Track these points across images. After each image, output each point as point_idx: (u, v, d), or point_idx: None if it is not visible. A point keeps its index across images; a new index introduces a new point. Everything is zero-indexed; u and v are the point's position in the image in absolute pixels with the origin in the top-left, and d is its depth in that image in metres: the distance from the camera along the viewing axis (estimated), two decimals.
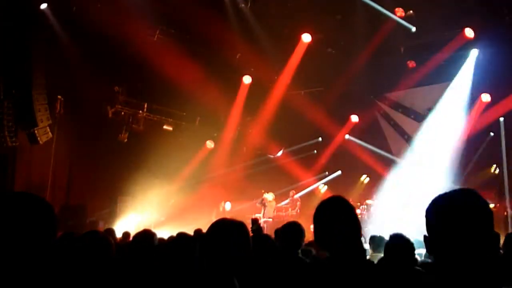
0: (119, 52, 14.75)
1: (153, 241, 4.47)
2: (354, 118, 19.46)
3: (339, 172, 19.84)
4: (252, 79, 18.15)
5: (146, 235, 4.51)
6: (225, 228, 2.54)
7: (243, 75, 18.11)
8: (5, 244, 1.87)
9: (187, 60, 15.38)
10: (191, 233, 5.97)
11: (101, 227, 13.70)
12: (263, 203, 16.56)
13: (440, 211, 1.88)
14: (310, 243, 5.75)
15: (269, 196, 16.57)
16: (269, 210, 16.47)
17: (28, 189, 9.34)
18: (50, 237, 1.99)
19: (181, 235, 4.47)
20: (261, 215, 16.20)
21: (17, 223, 1.91)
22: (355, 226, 2.63)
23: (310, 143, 19.69)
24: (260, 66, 17.23)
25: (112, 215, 15.93)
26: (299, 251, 4.60)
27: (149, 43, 15.33)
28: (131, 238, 5.44)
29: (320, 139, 20.13)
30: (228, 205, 16.45)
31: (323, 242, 2.65)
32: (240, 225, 2.57)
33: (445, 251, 1.82)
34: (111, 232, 7.37)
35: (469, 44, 15.67)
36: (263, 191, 16.83)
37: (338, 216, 2.63)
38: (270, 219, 16.33)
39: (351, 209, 2.68)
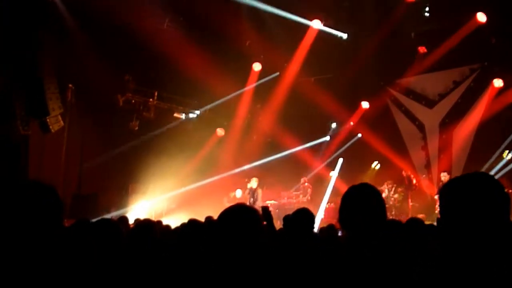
0: (129, 41, 14.72)
1: (154, 231, 4.45)
2: (365, 105, 19.36)
3: (341, 160, 19.77)
4: (261, 66, 18.10)
5: (146, 226, 4.49)
6: (237, 214, 2.53)
7: (253, 62, 18.06)
8: (14, 231, 1.88)
9: (196, 48, 15.33)
10: (202, 220, 5.98)
11: (113, 214, 13.76)
12: (252, 191, 15.34)
13: (455, 194, 1.87)
14: (331, 226, 5.77)
15: (254, 183, 15.33)
16: (259, 198, 15.26)
17: (40, 178, 9.37)
18: (56, 224, 2.00)
19: (192, 222, 4.47)
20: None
21: (24, 212, 1.91)
22: (380, 210, 2.73)
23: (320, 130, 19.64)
24: (269, 53, 17.16)
25: (123, 202, 15.99)
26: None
27: (159, 32, 15.28)
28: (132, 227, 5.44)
29: (328, 137, 20.10)
30: (238, 193, 16.31)
31: (346, 222, 2.75)
32: (252, 211, 2.56)
33: (459, 233, 1.81)
34: (124, 220, 7.38)
35: (481, 29, 15.52)
36: (246, 180, 15.89)
37: (364, 200, 2.74)
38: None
39: (377, 195, 2.80)
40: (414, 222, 4.91)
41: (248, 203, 14.91)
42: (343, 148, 19.97)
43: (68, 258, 2.17)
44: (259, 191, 15.12)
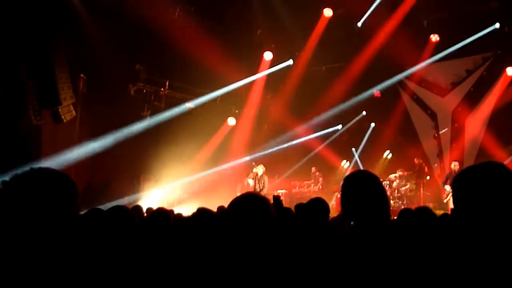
0: (140, 30, 14.73)
1: (169, 220, 4.47)
2: (376, 93, 19.27)
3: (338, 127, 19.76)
4: (273, 55, 18.06)
5: (161, 214, 4.51)
6: (247, 203, 2.53)
7: (264, 51, 18.01)
8: (29, 217, 1.89)
9: (207, 37, 15.32)
10: (214, 209, 5.98)
11: (126, 204, 13.82)
12: (257, 178, 15.23)
13: (469, 184, 1.86)
14: (341, 216, 5.76)
15: (260, 169, 15.23)
16: (264, 185, 15.12)
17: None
18: (72, 211, 2.01)
19: (202, 211, 4.47)
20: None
21: (40, 197, 1.93)
22: (381, 198, 2.68)
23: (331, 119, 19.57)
24: (281, 42, 17.11)
25: (135, 192, 16.06)
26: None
27: (170, 21, 15.27)
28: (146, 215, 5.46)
29: (340, 126, 20.03)
30: (251, 181, 16.30)
31: (349, 211, 2.72)
32: (263, 200, 2.56)
33: (473, 223, 1.81)
34: (138, 209, 7.39)
35: (493, 16, 15.39)
36: (253, 163, 15.82)
37: (364, 187, 2.69)
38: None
39: (378, 182, 2.74)
40: (423, 211, 4.86)
41: (254, 190, 14.98)
42: (354, 137, 19.90)
43: (81, 246, 2.19)
44: (266, 178, 15.06)
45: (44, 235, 1.92)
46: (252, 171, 15.26)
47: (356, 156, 19.72)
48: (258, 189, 14.82)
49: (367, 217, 2.60)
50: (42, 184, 1.98)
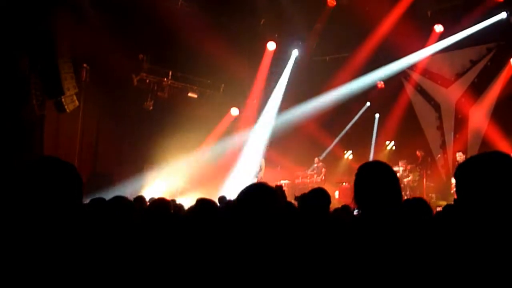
0: (143, 20, 14.72)
1: (169, 209, 4.46)
2: (380, 84, 19.19)
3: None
4: (276, 45, 18.00)
5: (162, 203, 4.50)
6: (256, 193, 2.52)
7: (268, 41, 17.96)
8: (34, 205, 1.89)
9: (210, 27, 15.29)
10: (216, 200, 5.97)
11: (129, 194, 13.83)
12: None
13: (472, 173, 1.85)
14: (345, 207, 5.74)
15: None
16: (262, 174, 15.30)
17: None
18: (77, 200, 2.01)
19: (202, 201, 4.45)
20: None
21: (45, 186, 1.93)
22: (394, 189, 2.69)
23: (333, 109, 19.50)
24: (284, 32, 17.06)
25: (138, 182, 16.08)
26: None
27: (173, 11, 15.24)
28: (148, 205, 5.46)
29: (368, 103, 19.92)
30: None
31: (362, 201, 2.71)
32: (271, 191, 2.55)
33: (476, 212, 1.80)
34: (141, 199, 7.38)
35: (498, 7, 15.30)
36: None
37: (379, 178, 2.69)
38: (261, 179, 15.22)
39: (393, 174, 2.74)
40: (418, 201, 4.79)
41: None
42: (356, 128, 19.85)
43: (84, 236, 2.19)
44: (263, 161, 15.09)
45: (49, 224, 1.92)
46: None
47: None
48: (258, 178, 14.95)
49: (380, 207, 2.59)
50: (48, 174, 1.98)
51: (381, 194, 2.62)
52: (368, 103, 19.79)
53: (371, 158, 18.55)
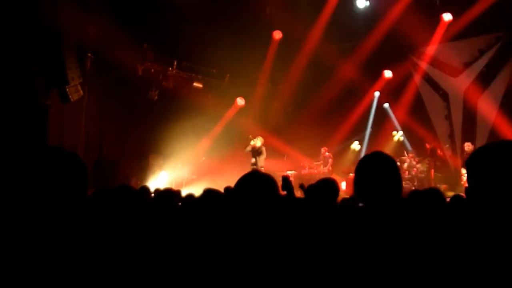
0: (148, 9, 14.68)
1: (175, 201, 4.45)
2: (387, 74, 19.10)
3: (369, 130, 19.72)
4: (282, 34, 17.95)
5: (168, 194, 4.49)
6: (253, 182, 2.51)
7: (274, 30, 17.90)
8: (40, 195, 1.89)
9: (216, 15, 15.24)
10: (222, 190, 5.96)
11: (134, 184, 13.87)
12: (255, 150, 15.21)
13: (483, 163, 1.84)
14: (353, 197, 5.74)
15: (258, 141, 15.16)
16: (261, 158, 15.19)
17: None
18: (82, 190, 2.01)
19: (209, 192, 4.45)
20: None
21: (50, 176, 1.93)
22: (395, 180, 2.64)
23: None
24: (290, 20, 16.97)
25: (143, 172, 16.13)
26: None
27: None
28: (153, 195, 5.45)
29: (377, 93, 19.82)
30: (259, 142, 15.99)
31: (362, 193, 2.67)
32: (269, 179, 2.54)
33: (487, 202, 1.78)
34: (146, 189, 7.38)
35: None
36: (250, 136, 15.54)
37: (380, 169, 2.64)
38: (262, 168, 14.93)
39: (394, 164, 2.70)
40: (433, 192, 4.78)
41: (251, 163, 15.03)
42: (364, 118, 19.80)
43: (88, 227, 2.19)
44: (263, 149, 15.06)
45: (53, 216, 1.92)
46: (249, 144, 15.23)
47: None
48: (253, 162, 14.91)
49: (379, 199, 2.56)
50: (52, 165, 1.98)
51: (378, 186, 2.58)
52: (376, 93, 19.70)
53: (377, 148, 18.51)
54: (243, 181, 2.53)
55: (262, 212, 2.41)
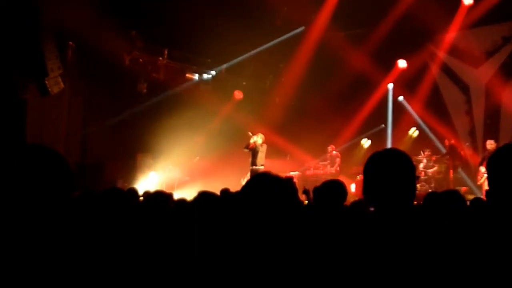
0: None
1: (167, 204, 4.47)
2: (402, 64, 19.10)
3: (382, 126, 19.74)
4: (284, 20, 17.93)
5: (159, 198, 4.51)
6: (268, 182, 2.51)
7: (275, 16, 17.88)
8: (21, 198, 1.90)
9: (211, 0, 15.24)
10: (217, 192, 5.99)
11: (120, 186, 13.88)
12: (252, 147, 15.23)
13: (506, 163, 1.85)
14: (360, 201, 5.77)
15: (259, 139, 15.22)
16: (261, 156, 15.22)
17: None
18: (66, 192, 2.02)
19: (204, 194, 4.47)
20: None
21: (31, 177, 1.94)
22: (409, 181, 2.58)
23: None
24: (294, 5, 16.96)
25: (131, 173, 16.13)
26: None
27: None
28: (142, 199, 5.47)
29: (390, 85, 19.83)
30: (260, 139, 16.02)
31: (371, 195, 2.62)
32: (284, 181, 2.55)
33: (509, 204, 1.80)
34: (134, 192, 7.40)
35: None
36: (249, 133, 15.55)
37: (392, 169, 2.57)
38: (262, 167, 15.09)
39: (409, 163, 2.62)
40: (451, 194, 4.78)
41: (250, 163, 15.08)
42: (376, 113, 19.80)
43: (74, 232, 2.21)
44: (265, 146, 15.09)
45: (35, 221, 1.93)
46: (249, 142, 15.26)
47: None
48: (254, 161, 14.94)
49: (389, 202, 2.53)
50: (34, 164, 1.98)
51: (391, 187, 2.52)
52: (390, 85, 19.69)
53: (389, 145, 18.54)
54: (258, 182, 2.51)
55: (282, 222, 2.40)
